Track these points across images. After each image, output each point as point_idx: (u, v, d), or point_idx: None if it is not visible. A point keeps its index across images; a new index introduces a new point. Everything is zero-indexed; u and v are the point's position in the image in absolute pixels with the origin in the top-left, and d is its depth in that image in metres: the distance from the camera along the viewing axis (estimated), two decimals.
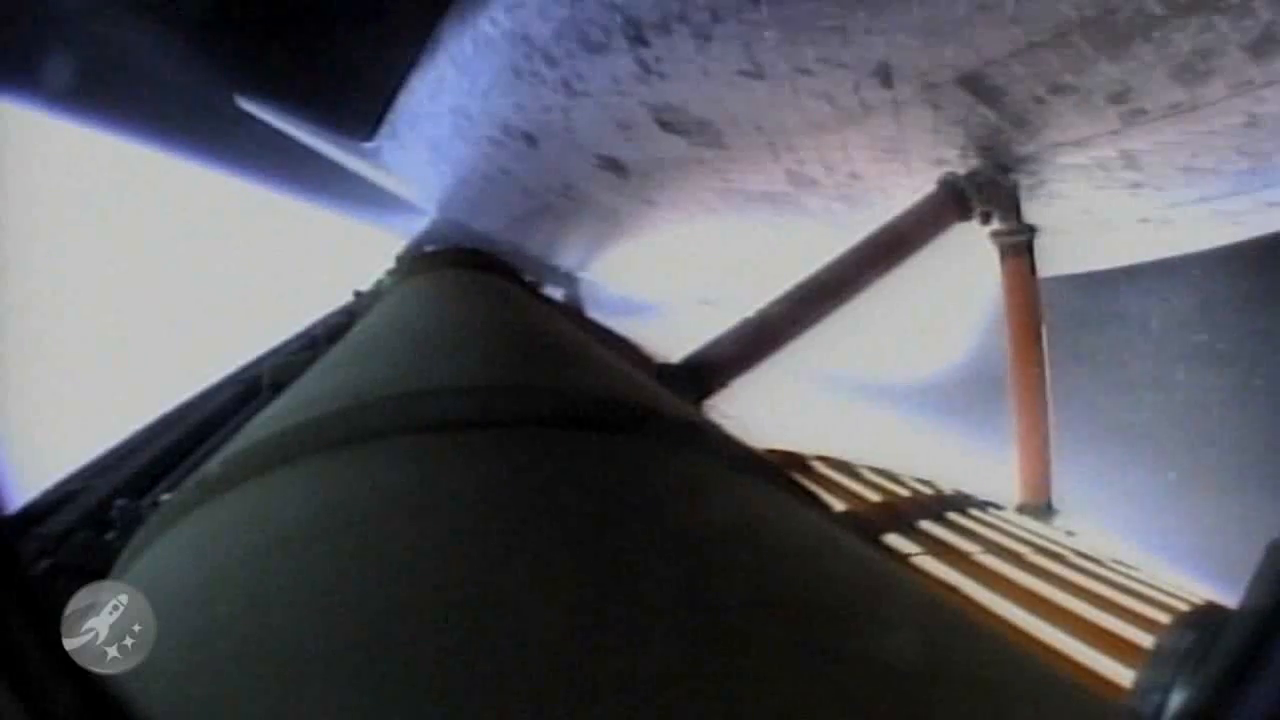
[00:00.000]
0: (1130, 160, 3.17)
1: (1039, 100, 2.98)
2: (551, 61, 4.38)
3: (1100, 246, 4.12)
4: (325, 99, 6.95)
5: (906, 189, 3.63)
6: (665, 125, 4.38)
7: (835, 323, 3.42)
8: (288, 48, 6.66)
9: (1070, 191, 3.54)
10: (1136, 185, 3.34)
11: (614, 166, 5.26)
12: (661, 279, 8.04)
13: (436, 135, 6.54)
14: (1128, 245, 4.06)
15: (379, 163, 7.93)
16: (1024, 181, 3.53)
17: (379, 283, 5.41)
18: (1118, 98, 2.80)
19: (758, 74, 3.54)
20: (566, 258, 8.76)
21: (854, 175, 4.01)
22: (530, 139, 5.61)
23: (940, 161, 3.58)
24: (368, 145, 7.45)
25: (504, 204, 7.42)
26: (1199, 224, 3.52)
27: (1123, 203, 3.53)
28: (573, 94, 4.60)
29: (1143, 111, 2.83)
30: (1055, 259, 3.82)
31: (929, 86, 3.13)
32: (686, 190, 5.23)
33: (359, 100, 6.76)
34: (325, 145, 8.25)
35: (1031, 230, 3.62)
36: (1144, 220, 3.66)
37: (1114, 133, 3.01)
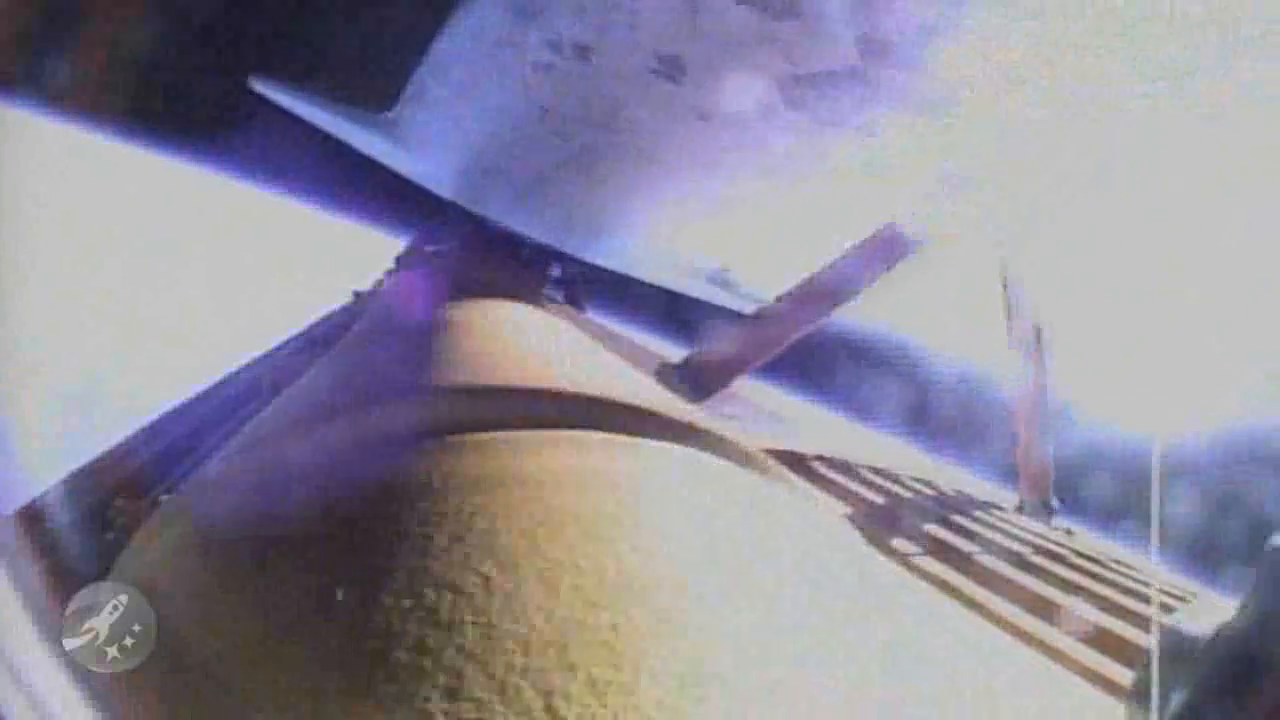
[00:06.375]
0: None
1: None
2: None
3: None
4: (346, 65, 6.91)
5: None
6: None
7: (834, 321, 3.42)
8: (307, 18, 6.65)
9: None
10: None
11: (672, 67, 5.09)
12: (680, 249, 7.75)
13: (470, 80, 6.41)
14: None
15: (396, 135, 7.81)
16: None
17: (379, 283, 5.41)
18: None
19: None
20: (583, 234, 8.47)
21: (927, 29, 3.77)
22: (584, 51, 5.46)
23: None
24: (387, 116, 7.37)
25: (533, 155, 7.19)
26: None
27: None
28: None
29: None
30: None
31: None
32: (746, 84, 5.02)
33: (380, 65, 6.72)
34: (340, 123, 8.14)
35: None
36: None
37: None
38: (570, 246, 8.87)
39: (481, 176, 8.15)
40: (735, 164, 5.85)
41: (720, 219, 6.74)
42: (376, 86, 6.95)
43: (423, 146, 8.01)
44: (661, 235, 7.80)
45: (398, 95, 7.01)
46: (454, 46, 6.12)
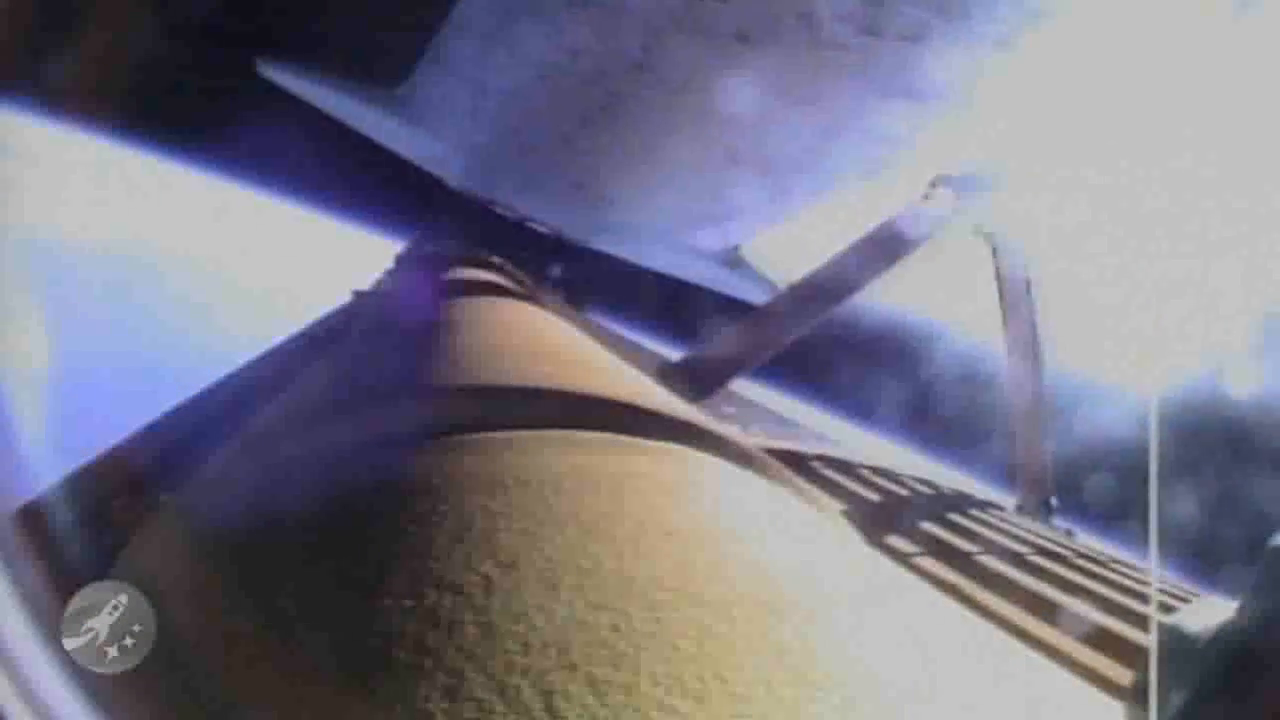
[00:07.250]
0: None
1: None
2: None
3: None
4: (355, 42, 6.84)
5: None
6: None
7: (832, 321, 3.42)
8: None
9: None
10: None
11: None
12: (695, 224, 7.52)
13: (496, 31, 6.27)
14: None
15: (408, 111, 7.68)
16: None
17: (379, 283, 5.41)
18: None
19: None
20: (595, 208, 8.27)
21: None
22: None
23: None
24: (399, 92, 7.26)
25: (555, 113, 6.98)
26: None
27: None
28: None
29: None
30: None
31: None
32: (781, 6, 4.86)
33: (391, 38, 6.66)
34: (349, 104, 8.02)
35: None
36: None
37: None
38: (579, 228, 8.64)
39: (494, 150, 7.92)
40: (772, 92, 5.61)
41: (747, 171, 6.48)
42: (388, 60, 6.84)
43: (436, 120, 7.80)
44: (679, 197, 7.49)
45: (410, 68, 6.88)
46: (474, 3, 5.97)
